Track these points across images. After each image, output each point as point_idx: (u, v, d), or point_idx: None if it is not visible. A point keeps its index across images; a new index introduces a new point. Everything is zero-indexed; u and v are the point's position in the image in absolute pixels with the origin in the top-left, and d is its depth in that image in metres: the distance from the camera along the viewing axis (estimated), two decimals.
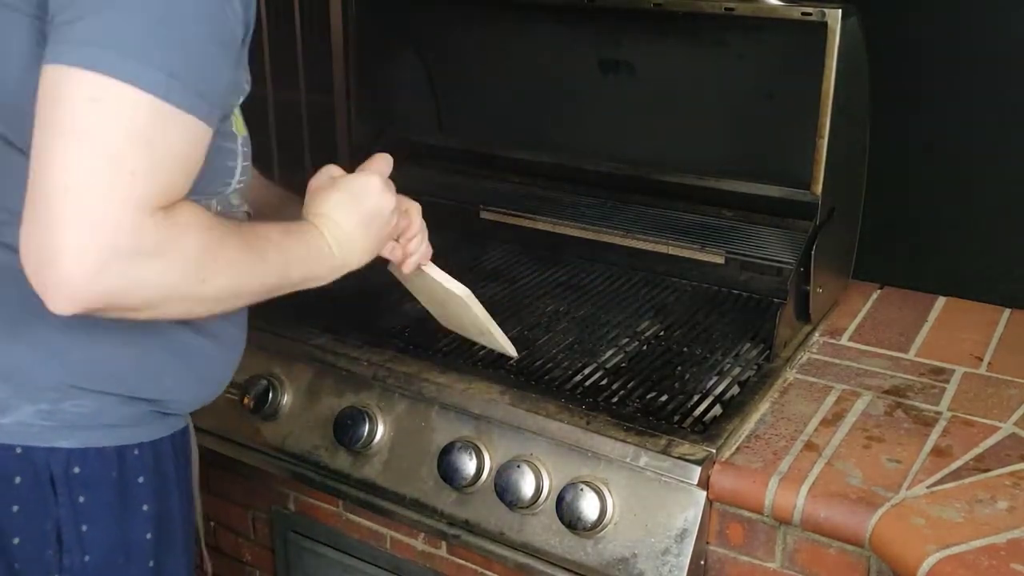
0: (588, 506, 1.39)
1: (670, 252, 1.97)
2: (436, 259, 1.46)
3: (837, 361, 1.69)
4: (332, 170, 1.30)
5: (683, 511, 1.37)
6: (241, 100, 1.16)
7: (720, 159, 1.97)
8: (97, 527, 1.20)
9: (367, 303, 1.83)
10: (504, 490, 1.45)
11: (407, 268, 1.41)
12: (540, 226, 2.12)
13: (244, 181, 1.22)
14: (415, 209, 1.38)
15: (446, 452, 1.51)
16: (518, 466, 1.45)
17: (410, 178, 2.31)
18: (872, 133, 1.86)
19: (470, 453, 1.49)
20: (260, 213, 1.37)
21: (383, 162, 1.31)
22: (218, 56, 1.02)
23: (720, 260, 1.93)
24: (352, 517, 1.78)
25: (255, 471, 1.82)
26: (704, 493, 1.37)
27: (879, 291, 1.99)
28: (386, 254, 1.38)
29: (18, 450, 1.15)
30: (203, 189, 1.04)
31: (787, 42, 1.76)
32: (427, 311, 1.61)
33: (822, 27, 1.58)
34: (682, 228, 2.02)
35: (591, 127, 2.11)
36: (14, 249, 0.98)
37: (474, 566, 1.65)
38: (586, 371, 1.64)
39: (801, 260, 1.72)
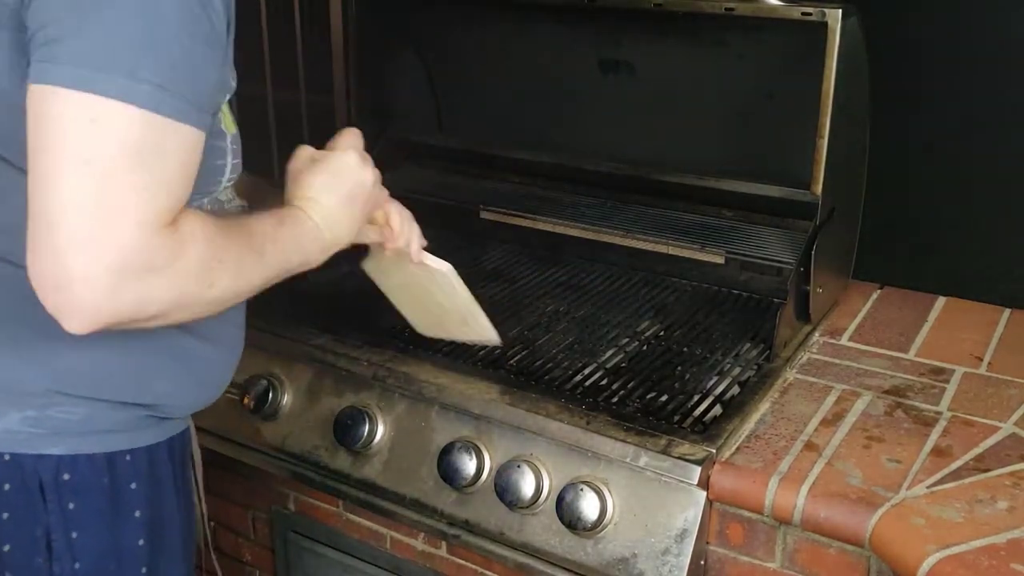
0: (588, 506, 1.39)
1: (670, 252, 1.97)
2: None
3: (837, 361, 1.69)
4: (308, 150, 1.30)
5: (683, 511, 1.37)
6: (228, 97, 1.16)
7: (720, 159, 1.97)
8: (87, 534, 1.19)
9: (367, 303, 1.82)
10: (504, 490, 1.45)
11: (415, 255, 1.42)
12: (540, 226, 2.12)
13: (234, 179, 1.22)
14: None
15: (446, 452, 1.51)
16: (518, 466, 1.45)
17: (410, 178, 2.33)
18: (872, 133, 1.86)
19: (470, 453, 1.49)
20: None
21: (353, 136, 1.31)
22: (205, 59, 1.02)
23: (720, 260, 1.93)
24: (352, 517, 1.78)
25: (255, 471, 1.82)
26: (704, 493, 1.37)
27: (879, 291, 1.99)
28: (372, 239, 1.39)
29: (6, 457, 1.14)
30: (195, 189, 1.04)
31: (787, 42, 1.77)
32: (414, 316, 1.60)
33: (822, 27, 1.58)
34: (682, 228, 2.02)
35: (591, 127, 2.11)
36: None
37: (474, 566, 1.65)
38: (586, 371, 1.64)
39: (801, 260, 1.72)
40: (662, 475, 1.38)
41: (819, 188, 1.67)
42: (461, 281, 1.49)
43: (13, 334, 1.13)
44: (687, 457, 1.38)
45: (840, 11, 1.57)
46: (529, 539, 1.46)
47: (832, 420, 1.50)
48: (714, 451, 1.40)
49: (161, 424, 1.26)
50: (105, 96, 0.93)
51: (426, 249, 1.44)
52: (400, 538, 1.73)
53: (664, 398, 1.55)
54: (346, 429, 1.60)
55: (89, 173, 0.93)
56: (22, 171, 0.97)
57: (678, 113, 1.99)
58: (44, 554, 1.17)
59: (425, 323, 1.60)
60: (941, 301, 1.93)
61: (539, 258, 2.11)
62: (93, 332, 0.98)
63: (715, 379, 1.62)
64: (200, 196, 1.16)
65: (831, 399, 1.56)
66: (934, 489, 1.32)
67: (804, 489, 1.33)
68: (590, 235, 2.06)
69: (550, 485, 1.45)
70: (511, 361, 1.66)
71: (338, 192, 1.24)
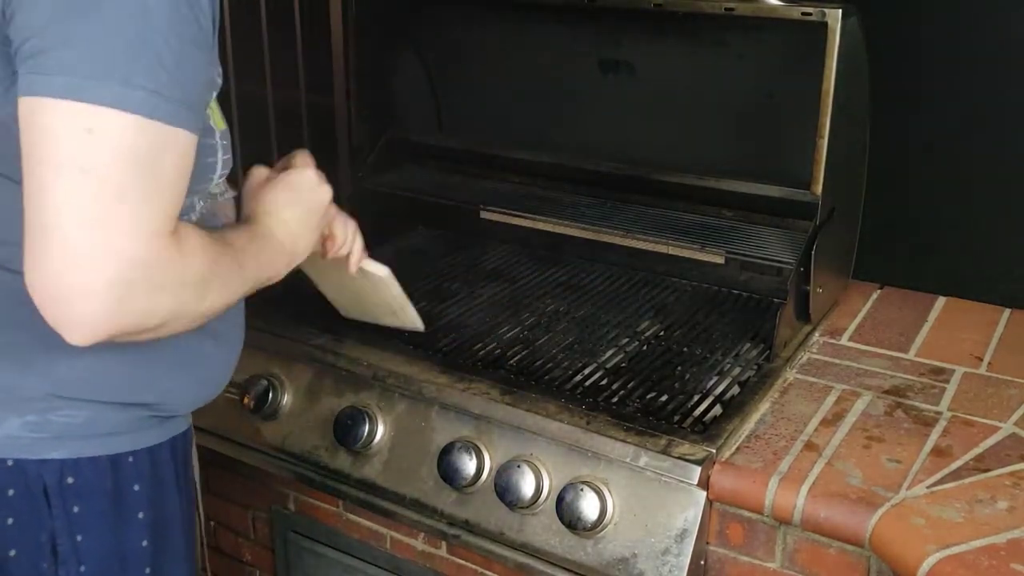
0: (588, 506, 1.39)
1: (670, 252, 1.97)
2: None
3: (837, 361, 1.69)
4: (263, 170, 1.32)
5: (683, 511, 1.37)
6: (215, 95, 1.15)
7: (720, 159, 1.98)
8: (92, 537, 1.19)
9: None
10: (504, 490, 1.45)
11: (352, 267, 1.46)
12: (540, 226, 2.12)
13: (225, 173, 1.23)
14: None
15: (446, 452, 1.51)
16: (518, 466, 1.45)
17: (410, 178, 2.33)
18: (872, 133, 1.86)
19: (470, 453, 1.49)
20: None
21: (307, 156, 1.35)
22: (195, 60, 1.02)
23: (720, 260, 1.93)
24: (352, 517, 1.78)
25: (255, 471, 1.82)
26: (704, 493, 1.37)
27: (879, 291, 1.99)
28: (314, 246, 1.39)
29: (9, 463, 1.14)
30: (188, 189, 1.04)
31: (787, 42, 1.77)
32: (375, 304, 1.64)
33: (822, 27, 1.58)
34: (682, 228, 2.02)
35: (591, 127, 2.11)
36: None
37: (474, 566, 1.65)
38: (586, 371, 1.64)
39: (801, 260, 1.72)
40: (662, 475, 1.38)
41: (819, 188, 1.67)
42: (397, 282, 1.56)
43: (12, 339, 1.13)
44: (687, 457, 1.38)
45: (840, 11, 1.57)
46: (529, 539, 1.46)
47: (832, 420, 1.50)
48: (714, 451, 1.40)
49: (163, 424, 1.26)
50: (99, 104, 0.92)
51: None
52: (400, 538, 1.73)
53: (664, 398, 1.55)
54: (346, 429, 1.60)
55: (86, 183, 0.92)
56: (18, 183, 0.97)
57: (678, 113, 1.99)
58: (49, 559, 1.17)
59: (353, 311, 1.68)
60: (941, 301, 1.93)
61: (539, 258, 2.11)
62: (95, 343, 0.98)
63: (715, 379, 1.62)
64: (192, 195, 1.17)
65: (831, 399, 1.56)
66: (934, 489, 1.32)
67: (804, 489, 1.33)
68: (590, 235, 2.06)
69: (550, 485, 1.45)
70: (511, 361, 1.66)
71: (298, 207, 1.26)
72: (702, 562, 1.41)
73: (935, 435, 1.45)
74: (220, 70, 1.15)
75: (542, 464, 1.46)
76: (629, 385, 1.59)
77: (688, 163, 2.01)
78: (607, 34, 2.00)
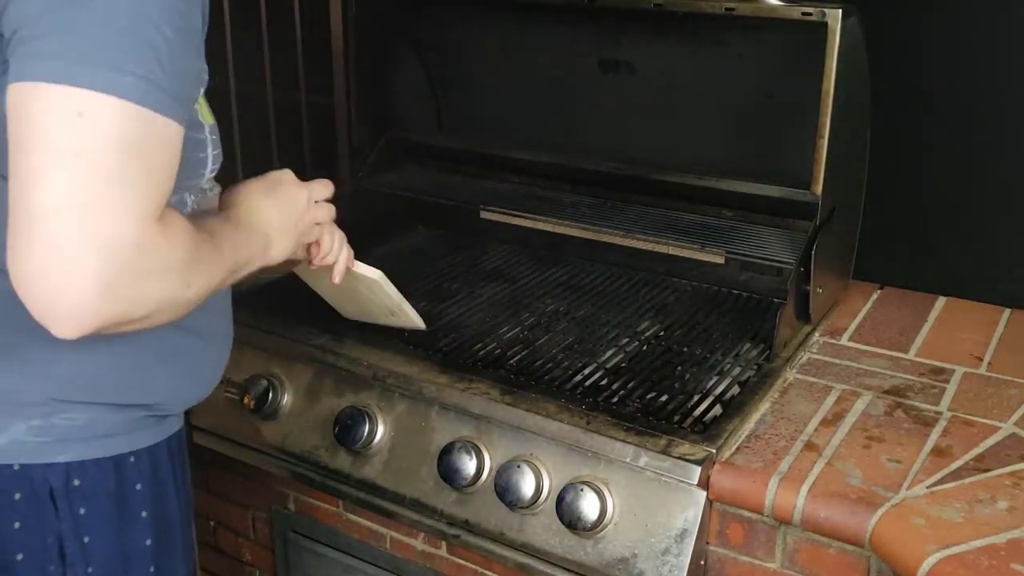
0: (588, 506, 1.39)
1: (670, 252, 1.97)
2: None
3: (837, 361, 1.69)
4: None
5: (683, 511, 1.37)
6: (203, 91, 1.15)
7: (720, 159, 1.98)
8: (98, 538, 1.19)
9: None
10: (504, 490, 1.45)
11: (336, 277, 1.46)
12: (540, 226, 2.12)
13: (216, 168, 1.23)
14: (329, 210, 1.40)
15: (446, 452, 1.51)
16: (518, 466, 1.45)
17: (410, 178, 2.33)
18: (872, 133, 1.86)
19: (470, 453, 1.49)
20: None
21: (286, 172, 1.35)
22: (185, 52, 1.02)
23: (720, 260, 1.93)
24: (352, 517, 1.78)
25: (255, 471, 1.82)
26: (704, 493, 1.37)
27: (879, 291, 1.99)
28: (299, 255, 1.41)
29: (15, 467, 1.15)
30: (178, 182, 1.04)
31: (787, 42, 1.77)
32: (386, 305, 1.64)
33: (822, 27, 1.58)
34: (682, 228, 2.02)
35: (591, 127, 2.11)
36: None
37: (474, 566, 1.66)
38: (586, 371, 1.64)
39: (801, 260, 1.72)
40: (662, 475, 1.38)
41: (819, 188, 1.67)
42: (392, 284, 1.57)
43: (13, 342, 1.13)
44: (687, 457, 1.38)
45: (840, 11, 1.57)
46: (529, 539, 1.46)
47: (832, 420, 1.50)
48: (714, 451, 1.40)
49: (159, 424, 1.27)
50: (91, 89, 0.92)
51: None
52: (400, 538, 1.73)
53: (664, 398, 1.55)
54: (346, 429, 1.60)
55: (77, 167, 0.91)
56: (4, 178, 0.96)
57: (678, 113, 1.99)
58: (57, 561, 1.18)
59: (353, 312, 1.69)
60: (941, 301, 1.93)
61: (539, 258, 2.11)
62: (83, 337, 0.96)
63: (715, 379, 1.62)
64: (183, 190, 1.17)
65: (831, 399, 1.56)
66: (934, 489, 1.32)
67: (804, 489, 1.33)
68: (590, 235, 2.06)
69: (550, 485, 1.45)
70: (511, 361, 1.66)
71: (274, 200, 1.26)
72: (702, 562, 1.41)
73: (935, 435, 1.45)
74: (206, 67, 1.15)
75: (542, 464, 1.46)
76: (629, 385, 1.59)
77: (688, 163, 2.01)
78: (607, 34, 2.00)
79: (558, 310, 1.87)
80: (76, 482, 1.17)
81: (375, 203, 2.26)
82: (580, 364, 1.65)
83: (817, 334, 1.80)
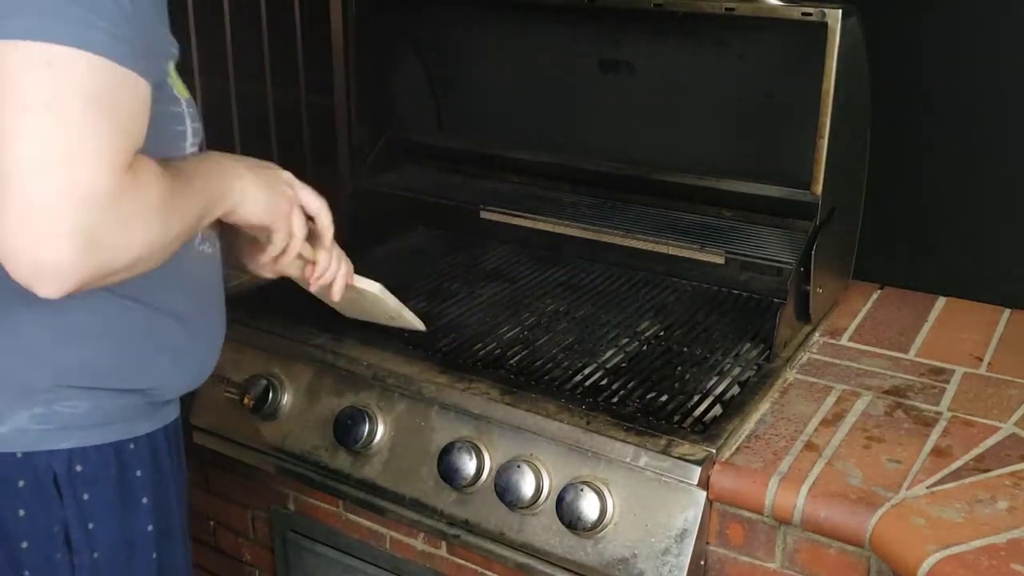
0: (588, 506, 1.39)
1: (670, 252, 1.97)
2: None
3: (837, 361, 1.69)
4: None
5: (683, 511, 1.37)
6: (173, 64, 1.17)
7: (720, 159, 1.97)
8: (102, 524, 1.21)
9: None
10: (504, 490, 1.45)
11: (335, 295, 1.45)
12: (540, 226, 2.12)
13: (197, 143, 1.24)
14: (324, 209, 1.36)
15: (446, 452, 1.51)
16: (518, 466, 1.45)
17: (410, 178, 2.33)
18: (872, 133, 1.86)
19: (470, 453, 1.49)
20: None
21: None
22: (150, 15, 1.04)
23: (720, 260, 1.93)
24: (352, 517, 1.78)
25: (255, 471, 1.82)
26: (704, 493, 1.37)
27: (879, 291, 1.99)
28: (293, 275, 1.41)
29: (18, 455, 1.16)
30: (161, 157, 1.06)
31: (787, 42, 1.77)
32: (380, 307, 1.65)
33: (822, 27, 1.58)
34: (682, 228, 2.02)
35: (591, 127, 2.11)
36: None
37: (474, 566, 1.65)
38: (586, 371, 1.64)
39: (801, 260, 1.72)
40: (662, 475, 1.38)
41: (819, 188, 1.67)
42: (390, 294, 1.58)
43: (15, 329, 1.13)
44: (687, 457, 1.38)
45: (840, 11, 1.57)
46: (529, 539, 1.46)
47: (832, 420, 1.50)
48: (714, 451, 1.40)
49: (157, 412, 1.29)
50: (60, 43, 0.93)
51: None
52: (400, 538, 1.73)
53: (664, 398, 1.55)
54: (346, 429, 1.60)
55: (50, 119, 0.92)
56: None
57: (678, 113, 1.99)
58: (63, 548, 1.19)
59: (353, 313, 1.69)
60: (941, 301, 1.93)
61: (539, 258, 2.11)
62: (66, 293, 0.96)
63: (715, 379, 1.62)
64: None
65: (831, 399, 1.56)
66: (934, 489, 1.32)
67: (804, 489, 1.33)
68: (590, 235, 2.06)
69: (550, 485, 1.45)
70: (511, 361, 1.66)
71: (245, 160, 1.25)
72: (702, 562, 1.41)
73: (935, 435, 1.45)
74: (175, 41, 1.17)
75: (542, 464, 1.46)
76: (629, 385, 1.59)
77: (688, 163, 2.01)
78: (607, 34, 2.00)
79: (558, 310, 1.87)
80: (79, 468, 1.18)
81: (375, 203, 2.26)
82: (580, 364, 1.65)
83: (817, 334, 1.80)
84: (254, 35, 2.38)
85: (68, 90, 0.93)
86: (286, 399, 1.71)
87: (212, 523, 2.02)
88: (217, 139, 2.19)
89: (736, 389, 1.59)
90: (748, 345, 1.73)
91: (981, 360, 1.69)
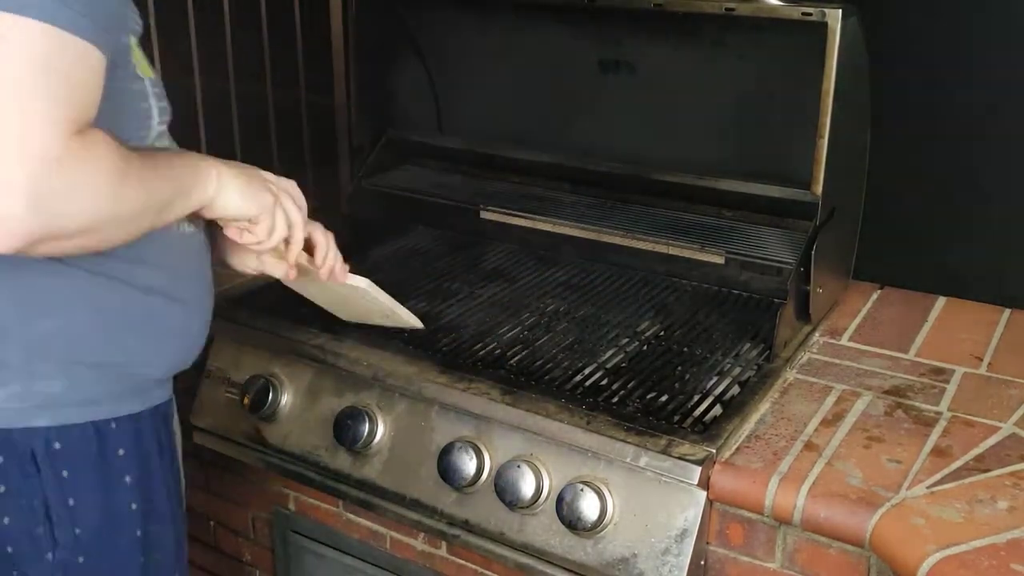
0: (588, 506, 1.39)
1: (670, 252, 1.97)
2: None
3: (837, 361, 1.69)
4: None
5: (683, 511, 1.37)
6: (135, 40, 1.18)
7: (720, 159, 1.97)
8: (83, 500, 1.23)
9: None
10: (504, 490, 1.45)
11: (325, 275, 1.45)
12: (540, 226, 2.12)
13: (165, 122, 1.26)
14: (301, 199, 1.37)
15: (446, 452, 1.51)
16: (518, 466, 1.45)
17: (410, 178, 2.33)
18: (872, 133, 1.86)
19: (470, 453, 1.49)
20: None
21: None
22: None
23: (720, 260, 1.93)
24: (352, 517, 1.78)
25: (255, 471, 1.83)
26: (704, 493, 1.37)
27: (879, 291, 1.99)
28: (277, 274, 1.41)
29: None
30: (126, 135, 1.08)
31: (787, 42, 1.76)
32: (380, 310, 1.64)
33: (822, 27, 1.58)
34: (682, 228, 2.02)
35: (591, 127, 2.11)
36: None
37: (474, 566, 1.66)
38: (586, 371, 1.64)
39: (801, 260, 1.72)
40: (662, 475, 1.38)
41: (819, 188, 1.67)
42: (380, 289, 1.57)
43: None
44: (687, 457, 1.38)
45: (840, 11, 1.57)
46: (529, 539, 1.46)
47: (832, 420, 1.50)
48: (714, 451, 1.40)
49: (143, 393, 1.30)
50: (9, 11, 0.96)
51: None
52: (400, 538, 1.73)
53: (664, 398, 1.55)
54: (346, 429, 1.60)
55: (2, 87, 0.95)
56: None
57: (678, 113, 1.99)
58: (44, 523, 1.21)
59: (348, 315, 1.70)
60: (941, 301, 1.93)
61: (539, 258, 2.11)
62: (15, 251, 0.99)
63: (715, 379, 1.62)
64: (132, 141, 1.18)
65: (831, 399, 1.56)
66: (934, 489, 1.32)
67: (804, 489, 1.33)
68: (590, 235, 2.06)
69: (550, 485, 1.45)
70: (511, 361, 1.66)
71: (229, 162, 1.26)
72: (702, 562, 1.41)
73: (935, 435, 1.45)
74: (138, 16, 1.18)
75: (542, 464, 1.46)
76: (629, 385, 1.59)
77: (688, 163, 2.01)
78: (607, 34, 2.00)
79: (558, 310, 1.87)
80: (57, 445, 1.20)
81: (375, 203, 2.26)
82: (580, 364, 1.65)
83: (817, 334, 1.80)
84: (254, 35, 2.38)
85: (17, 57, 0.96)
86: (286, 399, 1.71)
87: (212, 523, 2.02)
88: (217, 139, 2.21)
89: (736, 389, 1.59)
90: (748, 345, 1.73)
91: (981, 360, 1.69)
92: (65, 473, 1.21)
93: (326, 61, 2.49)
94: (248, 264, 1.43)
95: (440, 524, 1.56)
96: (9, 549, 1.21)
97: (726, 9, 1.66)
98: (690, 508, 1.37)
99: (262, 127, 2.45)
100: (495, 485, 1.46)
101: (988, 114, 1.85)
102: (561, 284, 1.99)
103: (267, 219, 1.27)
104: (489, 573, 1.64)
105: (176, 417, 1.42)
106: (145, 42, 1.23)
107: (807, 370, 1.66)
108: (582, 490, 1.40)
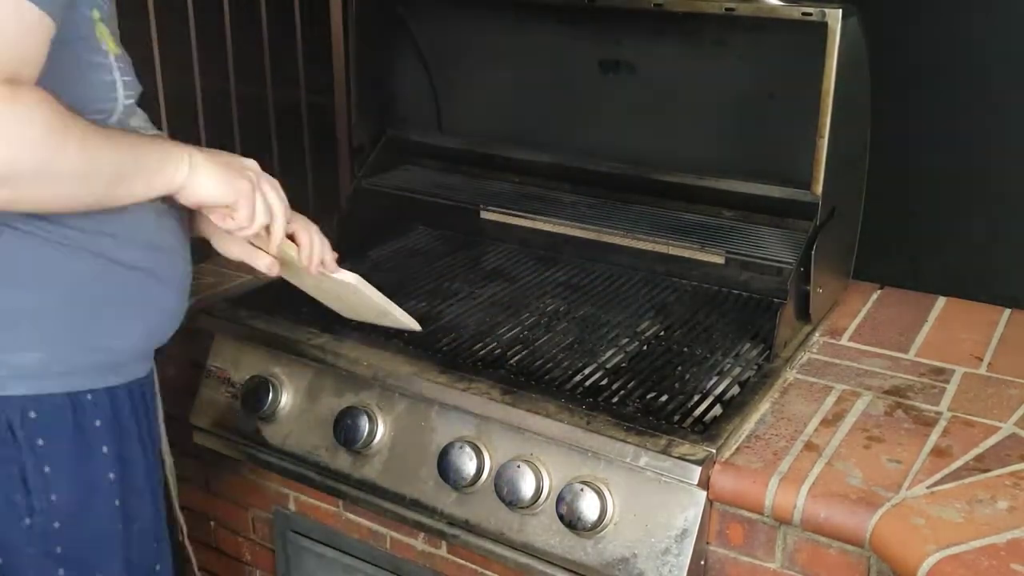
0: (588, 506, 1.39)
1: (670, 252, 1.97)
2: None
3: (837, 361, 1.69)
4: None
5: (683, 511, 1.37)
6: (99, 14, 1.20)
7: (720, 159, 1.97)
8: (59, 468, 1.25)
9: None
10: (504, 490, 1.45)
11: (311, 266, 1.45)
12: (540, 226, 2.12)
13: (133, 96, 1.26)
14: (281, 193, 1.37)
15: (446, 452, 1.51)
16: (518, 466, 1.45)
17: (410, 178, 2.33)
18: (872, 133, 1.86)
19: (470, 453, 1.49)
20: None
21: None
22: None
23: (720, 260, 1.93)
24: (352, 517, 1.78)
25: (255, 471, 1.83)
26: (704, 493, 1.37)
27: (879, 291, 1.99)
28: (261, 268, 1.43)
29: None
30: (89, 108, 1.10)
31: (787, 42, 1.76)
32: (386, 307, 1.65)
33: (822, 27, 1.58)
34: (682, 228, 2.02)
35: (591, 127, 2.11)
36: None
37: (474, 566, 1.66)
38: (586, 371, 1.64)
39: (801, 260, 1.72)
40: (662, 475, 1.38)
41: (819, 188, 1.67)
42: (371, 286, 1.57)
43: None
44: (687, 457, 1.38)
45: (840, 11, 1.57)
46: (529, 539, 1.46)
47: (832, 420, 1.50)
48: (714, 451, 1.40)
49: (120, 367, 1.31)
50: None
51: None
52: (400, 538, 1.73)
53: (664, 398, 1.55)
54: (346, 429, 1.60)
55: None
56: None
57: (678, 113, 1.99)
58: (22, 490, 1.23)
59: (347, 311, 1.69)
60: (941, 301, 1.93)
61: (539, 258, 2.11)
62: None
63: (715, 379, 1.62)
64: (98, 114, 1.20)
65: (831, 399, 1.56)
66: (934, 489, 1.32)
67: (804, 489, 1.33)
68: (590, 235, 2.06)
69: (550, 485, 1.45)
70: (511, 361, 1.66)
71: (210, 150, 1.28)
72: (702, 562, 1.41)
73: (935, 435, 1.45)
74: None
75: (542, 464, 1.46)
76: (629, 385, 1.59)
77: (688, 163, 2.01)
78: (607, 34, 2.00)
79: (558, 310, 1.87)
80: (32, 415, 1.22)
81: (375, 203, 2.26)
82: (580, 364, 1.65)
83: (817, 334, 1.80)
84: (254, 35, 2.38)
85: None
86: (286, 399, 1.71)
87: (212, 523, 2.02)
88: (217, 139, 2.21)
89: (736, 389, 1.59)
90: (748, 345, 1.73)
91: (981, 360, 1.69)
92: (40, 442, 1.23)
93: (326, 61, 2.49)
94: (232, 251, 1.44)
95: (440, 524, 1.56)
96: None
97: (726, 9, 1.66)
98: (690, 508, 1.37)
99: (262, 127, 2.45)
100: (495, 485, 1.46)
101: (988, 114, 1.85)
102: (561, 284, 1.99)
103: (246, 205, 1.27)
104: (489, 573, 1.64)
105: (159, 397, 1.44)
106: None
107: (807, 370, 1.66)
108: (582, 490, 1.40)
